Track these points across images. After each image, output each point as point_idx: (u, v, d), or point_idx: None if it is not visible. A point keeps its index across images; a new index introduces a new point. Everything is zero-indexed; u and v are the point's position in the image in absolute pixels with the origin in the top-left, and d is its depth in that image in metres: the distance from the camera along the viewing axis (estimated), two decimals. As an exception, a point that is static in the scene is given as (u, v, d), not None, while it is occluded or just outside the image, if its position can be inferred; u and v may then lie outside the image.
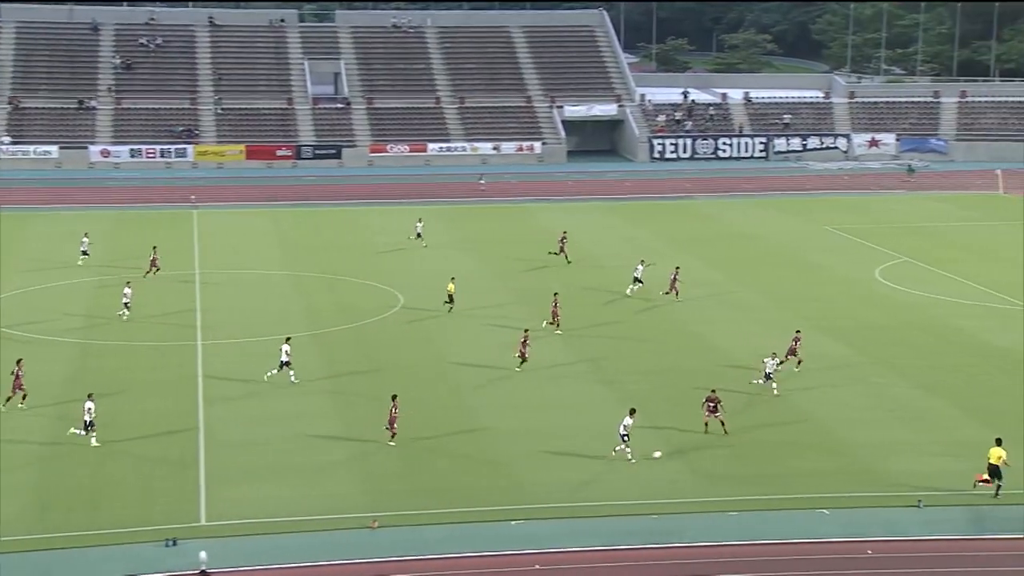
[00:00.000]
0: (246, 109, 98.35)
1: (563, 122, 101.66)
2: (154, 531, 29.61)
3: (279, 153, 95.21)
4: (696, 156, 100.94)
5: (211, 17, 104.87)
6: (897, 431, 36.16)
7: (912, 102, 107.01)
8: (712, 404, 35.93)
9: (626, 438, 33.94)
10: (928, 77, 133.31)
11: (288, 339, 41.21)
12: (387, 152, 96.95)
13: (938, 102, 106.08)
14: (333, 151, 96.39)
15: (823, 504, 31.19)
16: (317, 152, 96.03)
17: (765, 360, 39.89)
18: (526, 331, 42.87)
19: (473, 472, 33.61)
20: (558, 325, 46.83)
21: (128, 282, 50.17)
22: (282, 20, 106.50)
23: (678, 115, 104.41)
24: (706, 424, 35.84)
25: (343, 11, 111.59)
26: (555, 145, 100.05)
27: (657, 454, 34.21)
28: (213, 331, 46.86)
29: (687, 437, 35.78)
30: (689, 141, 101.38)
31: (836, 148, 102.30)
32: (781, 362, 40.69)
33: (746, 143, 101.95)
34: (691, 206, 79.20)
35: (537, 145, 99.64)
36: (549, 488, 32.43)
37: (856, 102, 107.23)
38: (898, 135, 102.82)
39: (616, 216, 73.50)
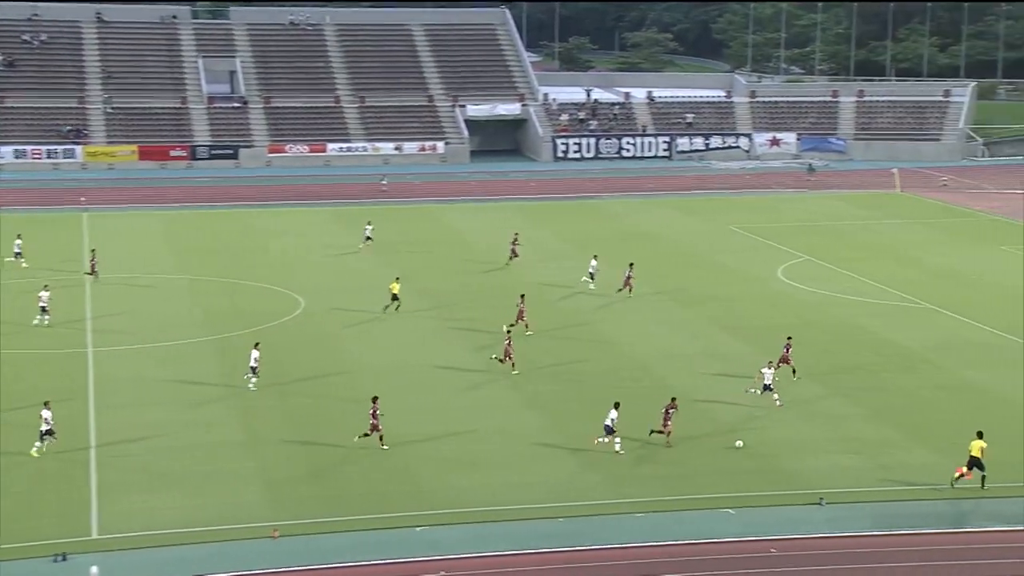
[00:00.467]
0: (137, 108, 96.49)
1: (466, 122, 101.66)
2: (43, 546, 28.88)
3: (173, 154, 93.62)
4: (600, 156, 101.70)
5: (99, 13, 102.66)
6: (799, 429, 36.84)
7: (811, 101, 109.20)
8: (668, 412, 35.50)
9: (611, 430, 34.64)
10: (826, 77, 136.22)
11: (257, 344, 41.05)
12: (286, 152, 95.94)
13: (836, 101, 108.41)
14: (230, 151, 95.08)
15: (728, 504, 31.65)
16: (213, 152, 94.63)
17: (763, 371, 38.72)
18: (508, 332, 42.90)
19: (379, 478, 33.42)
20: (527, 326, 46.39)
21: (46, 286, 49.02)
22: (174, 16, 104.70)
23: (581, 114, 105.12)
24: (664, 431, 35.25)
25: (238, 8, 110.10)
26: (458, 145, 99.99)
27: (739, 443, 35.09)
28: (105, 337, 45.88)
29: (591, 438, 35.99)
30: (593, 141, 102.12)
31: (738, 147, 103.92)
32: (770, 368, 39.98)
33: (650, 142, 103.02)
34: (595, 206, 79.78)
35: (440, 145, 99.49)
36: (456, 493, 32.40)
37: (757, 101, 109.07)
38: (798, 134, 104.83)
39: (521, 216, 73.70)
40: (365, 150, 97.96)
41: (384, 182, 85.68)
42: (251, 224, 70.81)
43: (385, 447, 34.96)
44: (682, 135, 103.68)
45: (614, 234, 68.49)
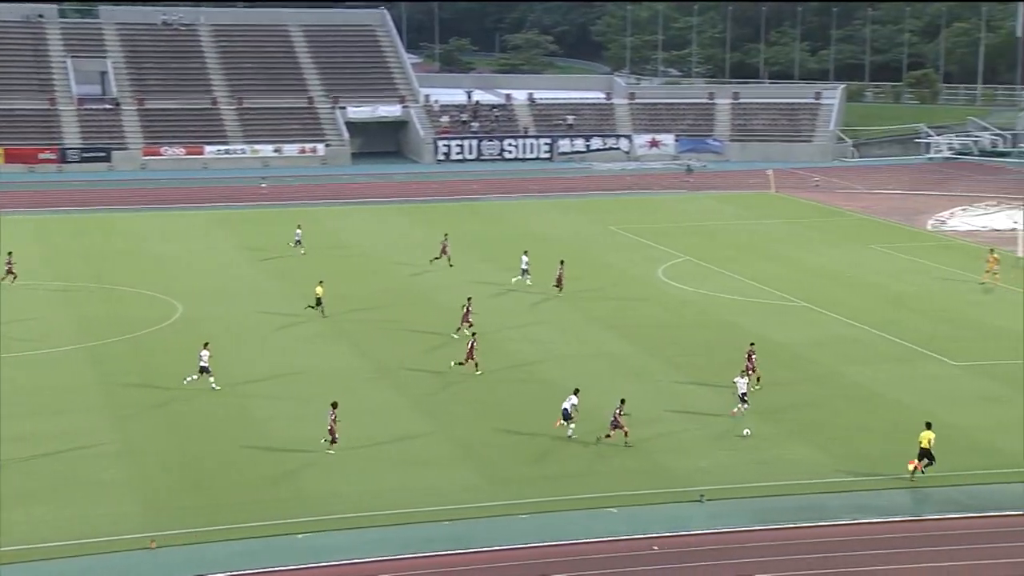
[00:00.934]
0: (3, 110, 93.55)
1: (346, 123, 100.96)
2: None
3: (41, 156, 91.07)
4: (482, 157, 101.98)
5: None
6: (680, 427, 37.42)
7: (689, 103, 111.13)
8: (617, 415, 35.62)
9: (570, 415, 35.75)
10: (703, 79, 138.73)
11: (206, 344, 40.75)
12: (161, 155, 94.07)
13: (713, 103, 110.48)
14: (102, 154, 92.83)
15: (612, 503, 32.00)
16: (84, 155, 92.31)
17: (736, 380, 38.16)
18: (474, 335, 42.90)
19: (259, 485, 32.98)
20: (471, 325, 45.86)
21: None
22: (40, 16, 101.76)
23: (463, 116, 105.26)
24: (613, 435, 35.45)
25: (107, 7, 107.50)
26: (339, 147, 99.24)
27: (747, 432, 35.69)
28: (-27, 347, 44.38)
29: (479, 439, 36.05)
30: (475, 142, 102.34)
31: (618, 149, 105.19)
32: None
33: (531, 144, 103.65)
34: (478, 207, 79.95)
35: (320, 147, 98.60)
36: (339, 499, 32.14)
37: (636, 103, 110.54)
38: (677, 135, 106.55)
39: (404, 218, 73.48)
40: (244, 152, 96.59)
41: (264, 185, 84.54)
42: (127, 229, 69.23)
43: (331, 452, 34.82)
44: (563, 137, 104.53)
45: (499, 235, 68.70)
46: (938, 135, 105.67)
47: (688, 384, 41.49)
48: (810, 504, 31.72)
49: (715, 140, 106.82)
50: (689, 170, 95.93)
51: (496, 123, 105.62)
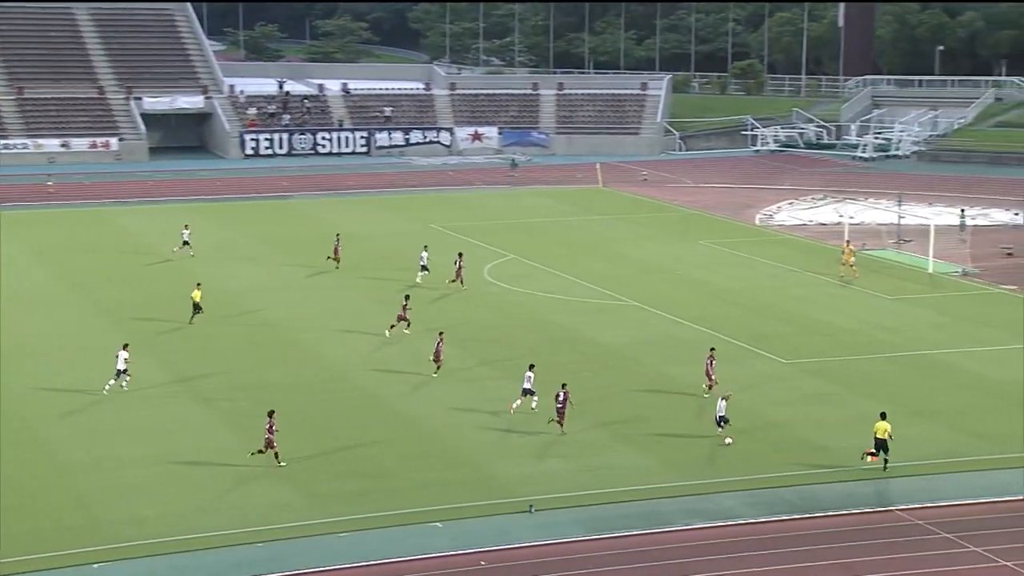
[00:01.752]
0: None
1: (143, 116, 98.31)
2: None
3: None
4: (294, 152, 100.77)
5: None
6: (506, 435, 37.65)
7: (512, 94, 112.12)
8: (561, 399, 37.13)
9: (529, 389, 38.68)
10: (527, 69, 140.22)
11: (126, 346, 41.03)
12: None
13: (537, 94, 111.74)
14: None
15: (436, 517, 31.96)
16: None
17: (721, 403, 36.63)
18: (440, 333, 43.77)
19: (47, 512, 31.73)
20: (408, 324, 47.42)
21: None
22: None
23: (272, 108, 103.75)
24: (561, 417, 37.26)
25: None
26: (135, 141, 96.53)
27: (728, 440, 36.34)
28: None
29: (295, 454, 35.54)
30: (285, 136, 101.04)
31: (439, 142, 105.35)
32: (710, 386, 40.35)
33: (347, 137, 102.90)
34: (289, 206, 78.92)
35: (113, 141, 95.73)
36: (138, 524, 31.17)
37: (457, 94, 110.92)
38: (500, 128, 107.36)
39: (205, 218, 71.90)
40: (26, 147, 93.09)
41: (50, 183, 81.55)
42: None
43: (282, 464, 34.58)
44: (381, 130, 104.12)
45: (312, 235, 67.91)
46: (764, 127, 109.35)
47: (516, 389, 41.76)
48: (642, 511, 32.34)
49: (540, 133, 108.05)
50: (514, 164, 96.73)
51: (308, 115, 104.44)
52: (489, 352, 46.40)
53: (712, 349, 42.21)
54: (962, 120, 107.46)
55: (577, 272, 59.74)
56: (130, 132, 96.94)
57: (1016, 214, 73.81)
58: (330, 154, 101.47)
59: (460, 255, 56.07)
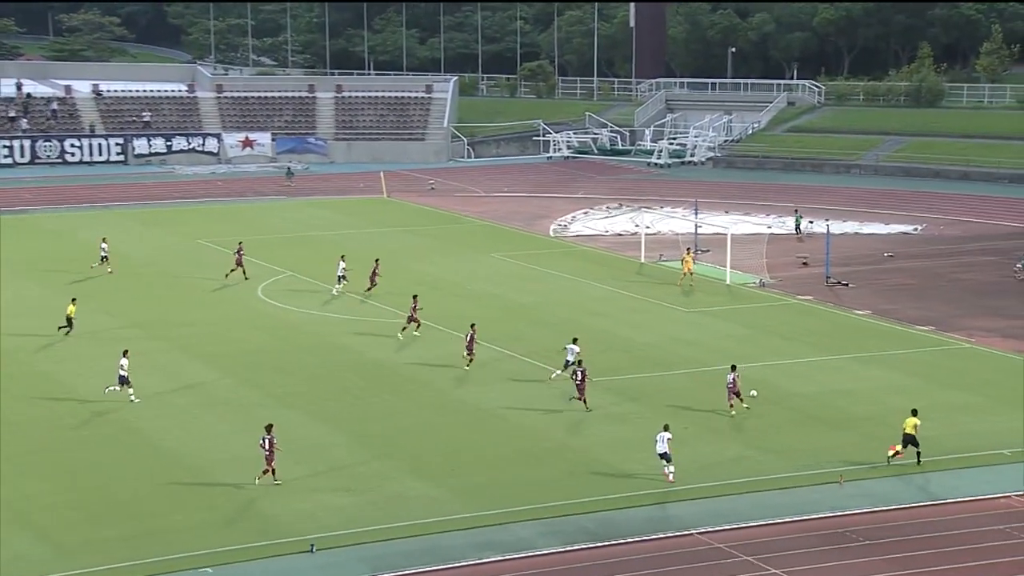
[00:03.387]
0: None
1: None
2: None
3: None
4: (37, 160, 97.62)
5: None
6: (284, 468, 37.07)
7: (286, 97, 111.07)
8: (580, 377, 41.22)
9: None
10: (302, 69, 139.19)
11: (126, 352, 42.56)
12: None
13: (314, 97, 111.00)
14: None
15: (207, 561, 31.21)
16: None
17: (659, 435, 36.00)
18: (472, 326, 46.50)
19: None
20: (418, 326, 50.95)
21: None
22: None
23: (11, 112, 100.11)
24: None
25: None
26: None
27: (753, 393, 41.36)
28: None
29: (38, 497, 34.18)
30: (27, 143, 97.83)
31: (206, 150, 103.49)
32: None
33: (100, 144, 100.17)
34: (32, 221, 76.24)
35: None
36: None
37: (225, 97, 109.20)
38: (274, 134, 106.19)
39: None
40: None
41: None
42: None
43: (278, 482, 35.37)
44: (139, 136, 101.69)
45: (63, 255, 65.64)
46: (556, 132, 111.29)
47: (292, 416, 41.25)
48: (431, 545, 32.30)
49: (318, 139, 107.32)
50: (290, 173, 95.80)
51: (54, 120, 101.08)
52: (262, 378, 45.69)
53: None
54: (756, 125, 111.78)
55: (360, 289, 59.43)
56: None
57: (811, 222, 77.05)
58: (81, 163, 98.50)
59: (377, 261, 58.78)
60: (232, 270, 60.45)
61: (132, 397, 42.02)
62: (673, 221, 76.91)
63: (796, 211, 77.51)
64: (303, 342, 50.68)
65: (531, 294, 59.55)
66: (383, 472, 36.93)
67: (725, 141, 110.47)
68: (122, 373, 41.92)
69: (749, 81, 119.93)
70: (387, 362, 47.90)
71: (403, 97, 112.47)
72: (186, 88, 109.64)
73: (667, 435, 36.02)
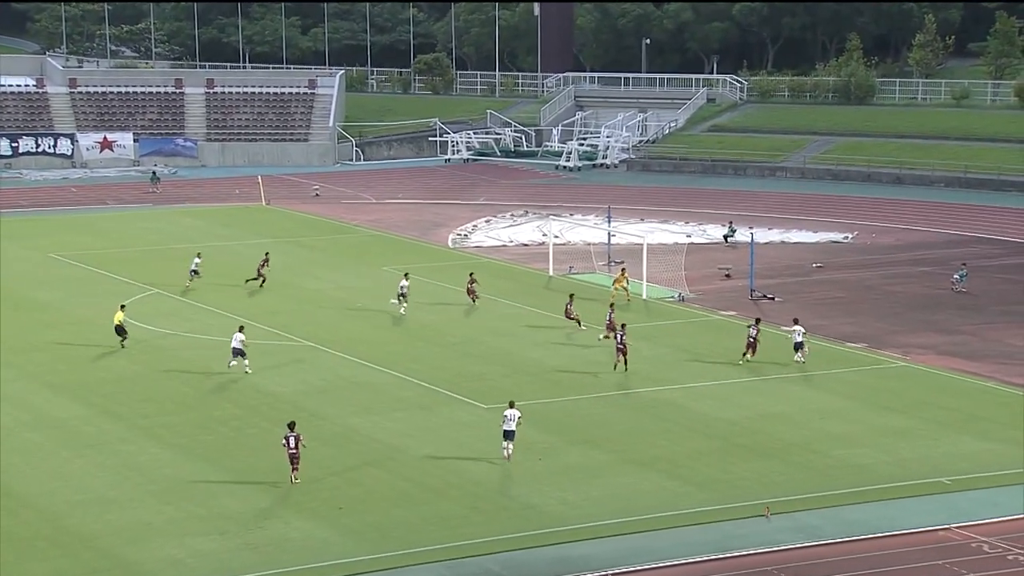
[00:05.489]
0: None
1: None
2: None
3: None
4: None
5: None
6: (151, 509, 36.70)
7: (150, 93, 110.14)
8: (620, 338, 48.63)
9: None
10: (168, 62, 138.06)
11: (241, 328, 49.64)
12: None
13: (181, 93, 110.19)
14: None
15: (65, 617, 30.81)
16: None
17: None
18: (571, 295, 54.76)
19: None
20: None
21: None
22: None
23: None
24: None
25: None
26: None
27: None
28: None
29: None
30: None
31: (58, 152, 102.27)
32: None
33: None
34: None
35: None
36: None
37: (80, 92, 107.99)
38: (136, 134, 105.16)
39: None
40: None
41: None
42: None
43: (297, 481, 38.08)
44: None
45: None
46: (455, 132, 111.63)
47: (161, 452, 40.88)
48: (319, 593, 32.21)
49: (186, 140, 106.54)
50: (155, 178, 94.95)
51: None
52: (124, 408, 45.19)
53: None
54: (673, 124, 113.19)
55: (236, 307, 59.08)
56: None
57: (751, 229, 78.13)
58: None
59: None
60: (261, 279, 63.17)
61: (247, 369, 48.89)
62: (584, 230, 77.58)
63: (730, 223, 78.29)
64: (171, 367, 50.25)
65: (428, 312, 59.63)
66: (263, 511, 36.72)
67: (640, 142, 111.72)
68: (238, 346, 48.79)
69: (665, 76, 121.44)
70: (268, 388, 47.65)
71: (283, 93, 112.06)
72: (34, 83, 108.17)
73: (516, 413, 40.08)
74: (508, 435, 40.44)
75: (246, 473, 39.43)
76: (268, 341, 54.10)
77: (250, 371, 48.88)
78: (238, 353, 48.95)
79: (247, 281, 62.90)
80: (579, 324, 55.57)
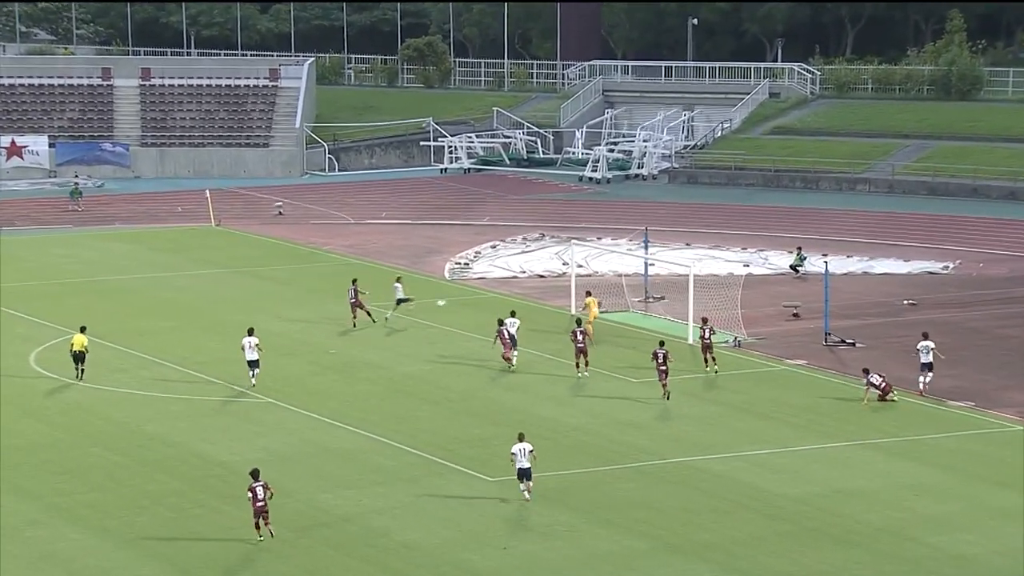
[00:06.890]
0: None
1: None
2: None
3: None
4: None
5: None
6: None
7: (71, 86, 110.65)
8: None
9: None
10: (93, 47, 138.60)
11: (251, 331, 54.68)
12: None
13: (110, 86, 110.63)
14: None
15: None
16: None
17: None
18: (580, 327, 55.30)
19: None
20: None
21: None
22: None
23: None
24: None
25: None
26: None
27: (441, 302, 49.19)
28: None
29: None
30: None
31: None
32: None
33: None
34: None
35: None
36: None
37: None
38: (53, 138, 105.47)
39: None
40: None
41: None
42: None
43: (261, 538, 39.94)
44: None
45: None
46: (453, 135, 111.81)
47: (83, 537, 40.94)
48: None
49: (116, 145, 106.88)
50: (76, 193, 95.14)
51: None
52: (37, 483, 45.26)
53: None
54: (727, 125, 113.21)
55: (176, 354, 59.26)
56: None
57: (825, 257, 78.05)
58: None
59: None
60: (361, 311, 64.24)
61: (254, 380, 54.18)
62: (615, 257, 77.59)
63: (799, 249, 78.29)
64: (98, 431, 50.29)
65: (419, 360, 59.63)
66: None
67: (685, 147, 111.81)
68: (253, 356, 54.24)
69: (717, 64, 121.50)
70: (218, 456, 47.66)
71: (238, 86, 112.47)
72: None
73: (528, 447, 42.36)
74: (523, 474, 41.20)
75: (189, 564, 39.45)
76: (218, 398, 54.15)
77: (255, 383, 54.38)
78: (254, 365, 54.34)
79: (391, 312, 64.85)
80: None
